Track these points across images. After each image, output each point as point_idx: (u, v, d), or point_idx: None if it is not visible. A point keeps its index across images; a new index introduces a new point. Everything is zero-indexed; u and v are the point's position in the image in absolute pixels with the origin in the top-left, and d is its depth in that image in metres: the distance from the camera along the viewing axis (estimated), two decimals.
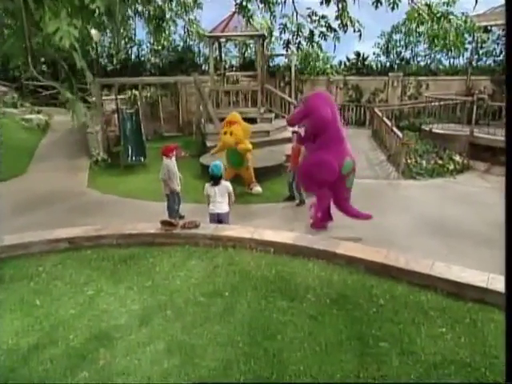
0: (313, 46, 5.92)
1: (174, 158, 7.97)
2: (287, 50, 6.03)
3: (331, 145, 6.95)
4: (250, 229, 6.10)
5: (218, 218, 6.73)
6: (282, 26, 5.86)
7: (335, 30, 5.71)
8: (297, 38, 5.80)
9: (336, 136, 6.95)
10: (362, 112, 18.29)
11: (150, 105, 16.41)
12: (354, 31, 5.38)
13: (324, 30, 5.70)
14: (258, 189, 9.94)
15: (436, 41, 5.74)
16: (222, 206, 6.73)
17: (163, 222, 6.13)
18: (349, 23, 5.33)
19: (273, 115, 15.98)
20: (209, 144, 12.77)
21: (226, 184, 6.79)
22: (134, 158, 13.00)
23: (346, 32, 5.37)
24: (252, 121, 14.32)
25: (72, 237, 6.14)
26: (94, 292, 4.87)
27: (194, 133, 15.42)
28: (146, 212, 8.64)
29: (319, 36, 5.77)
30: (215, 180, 6.73)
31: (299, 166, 7.71)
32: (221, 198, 6.73)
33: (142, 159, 12.90)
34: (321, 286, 4.75)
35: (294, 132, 8.99)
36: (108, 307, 4.55)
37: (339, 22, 5.40)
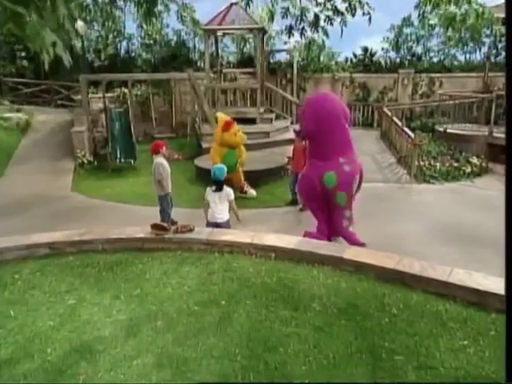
0: (318, 31, 5.84)
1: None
2: (290, 37, 5.96)
3: (316, 157, 6.82)
4: (249, 233, 6.06)
5: (216, 226, 6.60)
6: (283, 11, 5.79)
7: (342, 14, 5.63)
8: (300, 24, 5.71)
9: (324, 147, 6.70)
10: (370, 112, 18.31)
11: (140, 104, 16.39)
12: (364, 14, 5.30)
13: (330, 13, 5.62)
14: (252, 192, 9.96)
15: (453, 24, 5.66)
16: (221, 214, 6.64)
17: (154, 226, 6.07)
18: (357, 5, 5.25)
19: (273, 115, 16.02)
20: (204, 145, 12.75)
21: (228, 191, 6.67)
22: (122, 160, 12.97)
23: (354, 15, 5.29)
24: (251, 121, 14.33)
25: (53, 241, 6.06)
26: (76, 301, 4.77)
27: (189, 134, 15.41)
28: (135, 217, 8.56)
29: (325, 21, 5.70)
30: (217, 185, 6.63)
31: None
32: (221, 205, 6.64)
33: (132, 162, 12.88)
34: (327, 294, 4.68)
35: (295, 131, 8.94)
36: (91, 317, 4.45)
37: (347, 4, 5.32)
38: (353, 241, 6.72)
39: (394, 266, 4.99)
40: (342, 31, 5.74)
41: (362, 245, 6.57)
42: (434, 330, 4.07)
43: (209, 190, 6.72)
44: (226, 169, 6.81)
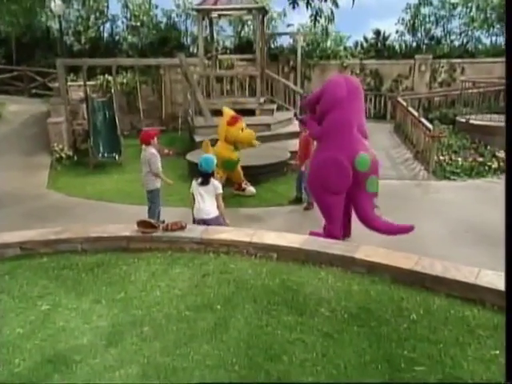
0: (325, 0, 5.76)
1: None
2: (294, 7, 5.87)
3: (340, 136, 6.67)
4: (247, 231, 6.05)
5: (204, 224, 6.53)
6: None
7: None
8: None
9: (348, 125, 6.67)
10: (383, 103, 18.22)
11: (126, 93, 16.36)
12: None
13: None
14: (251, 189, 9.93)
15: (477, 3, 5.55)
16: (208, 210, 6.53)
17: (141, 223, 6.02)
18: None
19: (275, 106, 15.91)
20: (198, 139, 12.68)
21: (215, 184, 6.56)
22: (106, 155, 12.90)
23: None
24: (250, 112, 14.24)
25: (24, 241, 6.00)
26: (50, 306, 4.71)
27: (180, 128, 15.34)
28: (120, 217, 8.50)
29: None
30: (204, 177, 6.52)
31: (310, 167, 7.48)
32: (208, 200, 6.53)
33: (116, 157, 12.82)
34: (337, 298, 4.64)
35: (296, 117, 8.90)
36: (67, 324, 4.39)
37: None
38: (394, 229, 6.72)
39: (412, 267, 4.94)
40: (353, 2, 5.64)
41: (406, 230, 6.63)
42: (461, 337, 4.02)
43: (194, 183, 6.63)
44: (215, 160, 6.72)
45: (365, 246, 5.49)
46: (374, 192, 6.81)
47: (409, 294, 4.69)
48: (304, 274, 5.12)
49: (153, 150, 7.70)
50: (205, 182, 6.50)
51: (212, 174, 6.59)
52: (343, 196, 6.85)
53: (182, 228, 5.98)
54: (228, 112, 9.76)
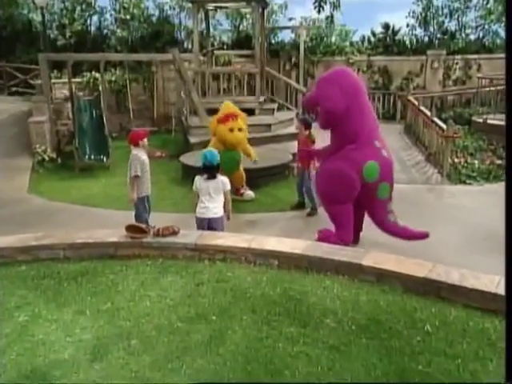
0: None
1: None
2: None
3: (347, 144, 6.74)
4: (246, 236, 6.05)
5: (209, 226, 6.52)
6: None
7: None
8: None
9: (356, 131, 6.70)
10: (392, 102, 18.17)
11: (115, 92, 16.33)
12: None
13: None
14: (249, 193, 9.87)
15: None
16: (215, 208, 6.51)
17: (130, 228, 6.00)
18: None
19: (275, 106, 15.92)
20: (193, 140, 12.67)
21: (222, 180, 6.54)
22: (92, 158, 12.82)
23: None
24: (249, 112, 14.13)
25: (2, 247, 5.94)
26: (29, 318, 4.66)
27: (174, 129, 15.31)
28: (107, 223, 8.40)
29: None
30: (209, 172, 6.50)
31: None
32: (215, 197, 6.52)
33: (104, 159, 12.77)
34: (343, 308, 4.61)
35: (297, 117, 8.87)
36: (47, 337, 4.32)
37: None
38: (410, 234, 6.85)
39: (426, 275, 4.89)
40: None
41: (422, 235, 6.75)
42: (481, 351, 3.97)
43: (199, 179, 6.59)
44: (218, 154, 6.69)
45: (373, 252, 5.46)
46: (386, 198, 6.90)
47: (422, 305, 4.64)
48: (307, 283, 5.09)
49: (137, 152, 7.51)
50: (211, 177, 6.48)
51: (218, 168, 6.55)
52: (351, 203, 6.91)
53: (175, 233, 5.95)
54: (227, 107, 9.69)
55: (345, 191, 6.74)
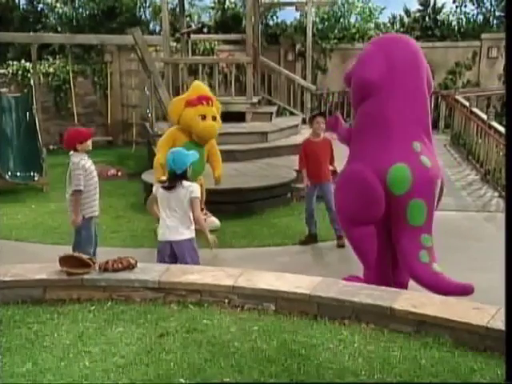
0: None
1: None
2: None
3: (371, 139, 5.42)
4: (231, 271, 5.24)
5: (173, 251, 5.46)
6: None
7: None
8: None
9: (389, 121, 5.36)
10: (433, 104, 15.91)
11: (53, 89, 14.67)
12: None
13: None
14: (213, 219, 8.17)
15: None
16: (178, 228, 5.38)
17: (66, 260, 5.12)
18: None
19: (274, 109, 14.30)
20: None
21: (190, 188, 5.36)
22: (18, 175, 11.25)
23: None
24: (238, 117, 12.45)
25: None
26: None
27: (134, 140, 14.00)
28: (38, 261, 7.21)
29: None
30: (172, 179, 5.36)
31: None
32: (180, 213, 5.39)
33: (36, 177, 11.18)
34: (368, 368, 3.92)
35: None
36: None
37: None
38: (446, 286, 5.15)
39: (487, 323, 4.09)
40: None
41: (466, 291, 5.07)
42: None
43: (157, 187, 5.52)
44: (191, 156, 5.53)
45: (409, 290, 4.91)
46: (420, 225, 5.31)
47: (484, 364, 3.98)
48: (317, 334, 4.43)
49: (78, 159, 6.14)
50: (173, 186, 5.35)
51: (184, 176, 5.39)
52: (374, 227, 5.46)
53: (131, 267, 5.12)
54: (199, 87, 8.20)
55: (364, 205, 5.26)
